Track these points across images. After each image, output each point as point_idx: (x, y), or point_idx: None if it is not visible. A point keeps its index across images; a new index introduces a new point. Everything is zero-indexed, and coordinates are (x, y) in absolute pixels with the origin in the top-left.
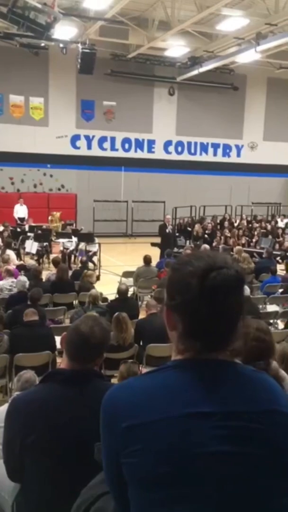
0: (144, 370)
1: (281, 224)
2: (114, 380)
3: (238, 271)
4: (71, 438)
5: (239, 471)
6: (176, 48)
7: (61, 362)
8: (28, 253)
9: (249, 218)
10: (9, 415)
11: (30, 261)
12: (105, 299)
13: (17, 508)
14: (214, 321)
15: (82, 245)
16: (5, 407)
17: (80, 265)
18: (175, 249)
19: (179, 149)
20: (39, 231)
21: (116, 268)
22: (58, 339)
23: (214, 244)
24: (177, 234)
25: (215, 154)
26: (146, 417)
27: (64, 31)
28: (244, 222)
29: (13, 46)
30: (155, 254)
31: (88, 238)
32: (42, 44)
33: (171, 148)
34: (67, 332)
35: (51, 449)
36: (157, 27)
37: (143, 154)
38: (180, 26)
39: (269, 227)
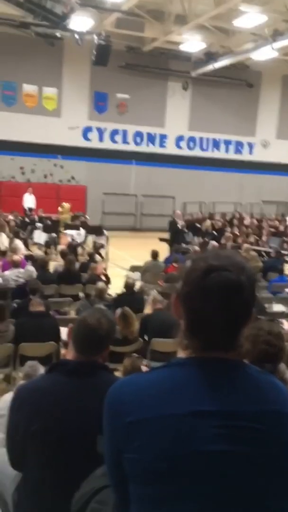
0: (150, 364)
1: None
2: (117, 374)
3: (240, 277)
4: (74, 429)
5: (239, 471)
6: (191, 42)
7: (67, 354)
8: (35, 243)
9: (258, 217)
10: (14, 403)
11: (37, 252)
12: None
13: (18, 496)
14: (209, 319)
15: (96, 238)
16: (9, 395)
17: (87, 257)
18: (183, 245)
19: (191, 144)
20: (48, 222)
21: (123, 262)
22: (63, 330)
23: (222, 241)
24: (185, 230)
25: (227, 151)
26: (149, 413)
27: (80, 22)
28: (254, 220)
29: (28, 35)
30: (162, 249)
31: (96, 230)
32: (58, 35)
33: (183, 144)
34: (74, 324)
35: (53, 439)
36: (174, 21)
37: (154, 149)
38: (197, 20)
39: (281, 228)
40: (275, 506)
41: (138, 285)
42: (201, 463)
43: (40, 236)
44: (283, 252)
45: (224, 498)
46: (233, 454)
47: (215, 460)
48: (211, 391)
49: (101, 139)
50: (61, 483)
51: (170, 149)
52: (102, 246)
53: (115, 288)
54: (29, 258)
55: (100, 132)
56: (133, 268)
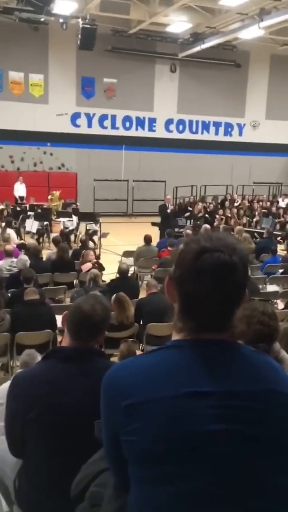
0: (146, 349)
1: (282, 204)
2: (114, 359)
3: (233, 258)
4: (71, 415)
5: (236, 450)
6: (178, 23)
7: (63, 341)
8: (28, 232)
9: (250, 198)
10: (11, 391)
11: (30, 240)
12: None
13: (19, 483)
14: (203, 301)
15: (91, 226)
16: (7, 384)
17: (80, 244)
18: (176, 229)
19: (180, 127)
20: (40, 210)
21: (116, 247)
22: (58, 317)
23: (215, 224)
24: (178, 213)
25: (216, 133)
26: (145, 396)
27: (64, 5)
28: (245, 202)
29: (12, 21)
30: (155, 234)
31: (89, 217)
32: (42, 19)
33: (172, 127)
34: (69, 311)
35: (51, 426)
36: (159, 2)
37: (144, 133)
38: (182, 0)
39: (273, 208)
40: (272, 484)
41: (131, 270)
42: (200, 443)
43: (31, 225)
44: (275, 232)
45: (223, 476)
46: (230, 433)
47: (213, 439)
48: (207, 372)
49: (89, 125)
50: (60, 468)
51: (160, 132)
52: (95, 232)
53: (109, 274)
54: (21, 247)
55: (89, 117)
56: (126, 254)
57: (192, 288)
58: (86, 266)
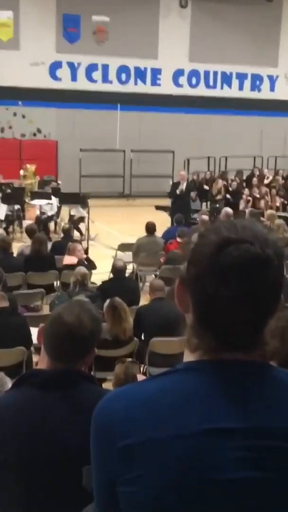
0: (149, 372)
1: None
2: (107, 385)
3: (265, 250)
4: (51, 457)
5: (266, 504)
6: None
7: (39, 361)
8: None
9: (285, 174)
10: None
11: None
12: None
13: None
14: (226, 309)
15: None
16: None
17: (62, 234)
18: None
19: (194, 80)
20: (9, 190)
21: (109, 239)
22: (34, 331)
23: (241, 207)
24: (192, 194)
25: (241, 87)
26: (148, 434)
27: None
28: (279, 178)
29: None
30: (161, 221)
31: (74, 199)
32: None
33: (182, 80)
34: (47, 322)
35: (26, 471)
36: None
37: (145, 88)
38: None
39: None
40: None
41: (130, 269)
42: (219, 495)
43: None
44: None
45: None
46: (259, 483)
47: (236, 490)
48: (230, 404)
49: (74, 77)
50: None
51: (166, 87)
52: (81, 219)
53: (101, 273)
54: None
55: (73, 68)
56: (123, 247)
57: (212, 291)
58: (69, 259)
